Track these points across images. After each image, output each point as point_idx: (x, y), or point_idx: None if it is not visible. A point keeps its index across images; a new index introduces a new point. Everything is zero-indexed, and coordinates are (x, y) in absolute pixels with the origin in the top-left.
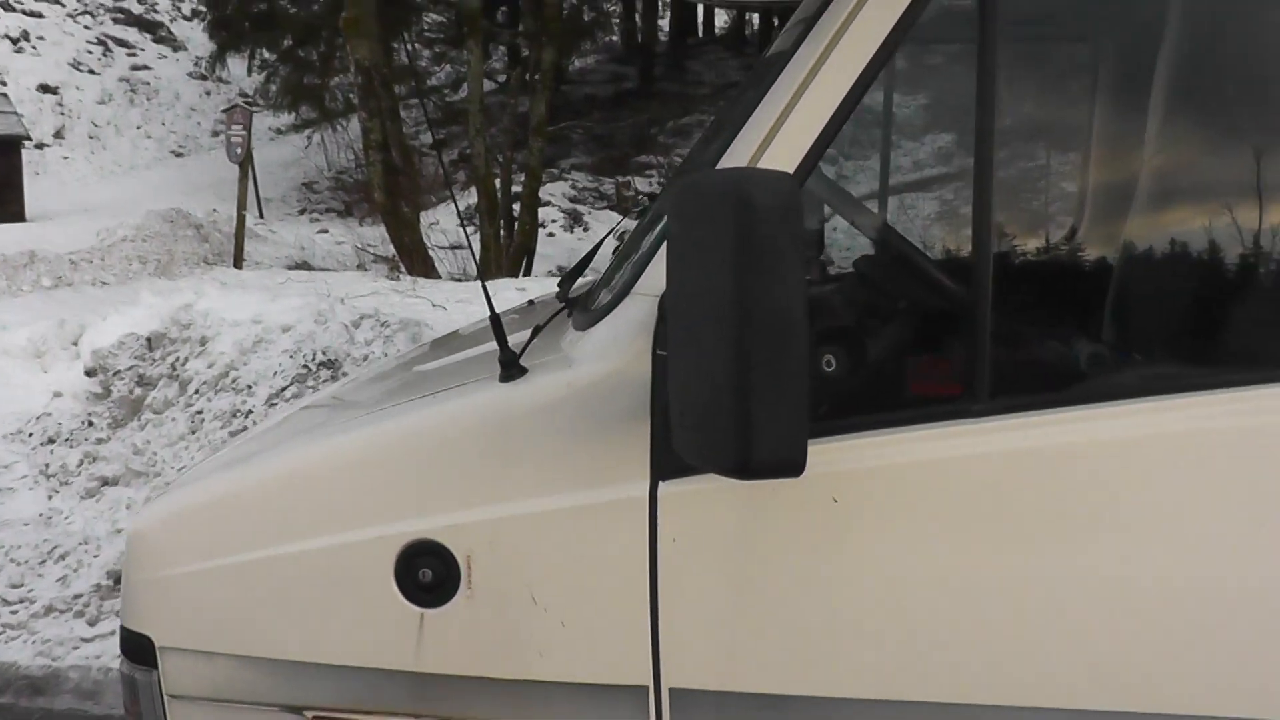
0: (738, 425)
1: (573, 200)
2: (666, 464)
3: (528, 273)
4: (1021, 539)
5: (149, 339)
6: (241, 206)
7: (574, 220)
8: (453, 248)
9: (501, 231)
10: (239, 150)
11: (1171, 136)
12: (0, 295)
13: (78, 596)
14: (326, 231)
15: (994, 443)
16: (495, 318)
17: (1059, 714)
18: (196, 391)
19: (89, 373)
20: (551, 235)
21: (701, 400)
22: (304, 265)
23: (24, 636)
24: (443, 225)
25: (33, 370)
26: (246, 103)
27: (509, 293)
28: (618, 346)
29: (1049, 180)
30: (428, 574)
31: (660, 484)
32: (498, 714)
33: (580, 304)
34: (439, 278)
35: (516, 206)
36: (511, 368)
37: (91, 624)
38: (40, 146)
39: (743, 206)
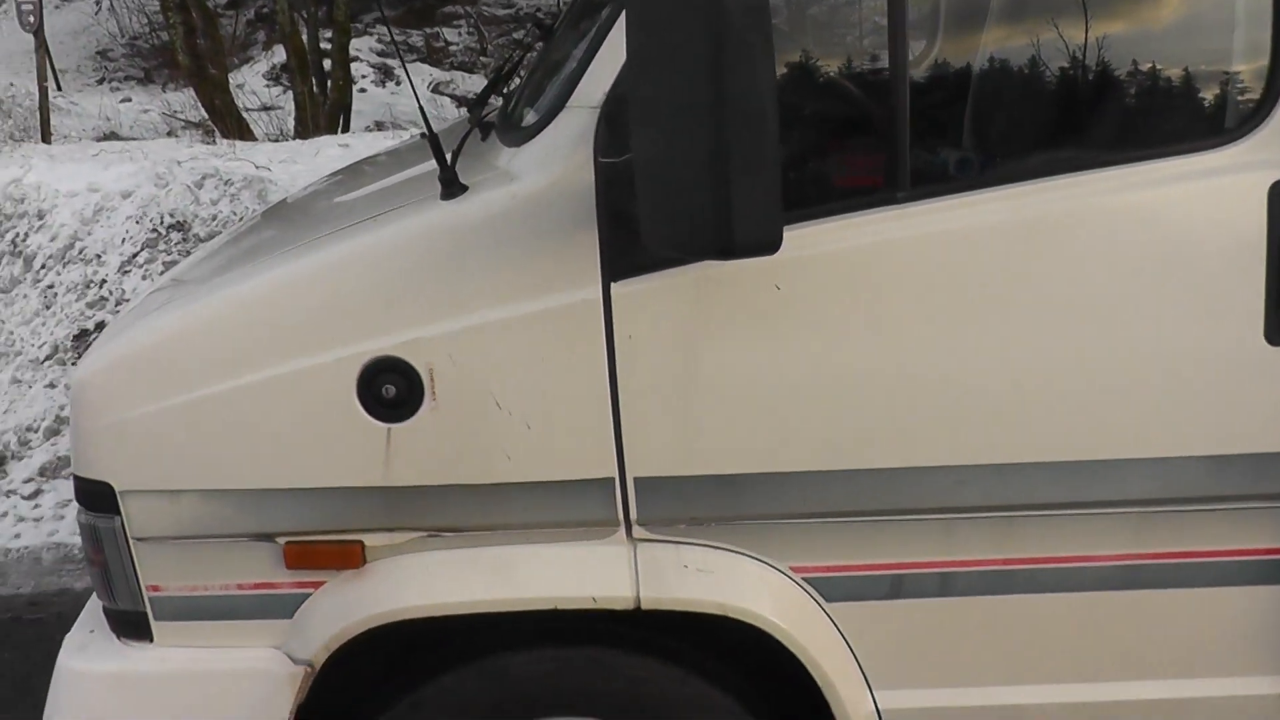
0: (719, 210)
1: (381, 55)
2: (617, 266)
3: (346, 129)
4: (938, 312)
5: None
6: (42, 78)
7: (385, 75)
8: (265, 109)
9: (314, 89)
10: (31, 19)
11: None
12: None
13: None
14: (130, 100)
15: (912, 227)
16: (434, 136)
17: (988, 469)
18: (43, 266)
19: None
20: (363, 91)
21: (678, 192)
22: (112, 136)
23: None
24: (250, 87)
25: None
26: None
27: (332, 149)
28: (558, 157)
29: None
30: (391, 390)
31: (612, 285)
32: (469, 519)
33: (500, 124)
34: (255, 139)
35: (326, 64)
36: (453, 186)
37: None
38: None
39: (717, 7)
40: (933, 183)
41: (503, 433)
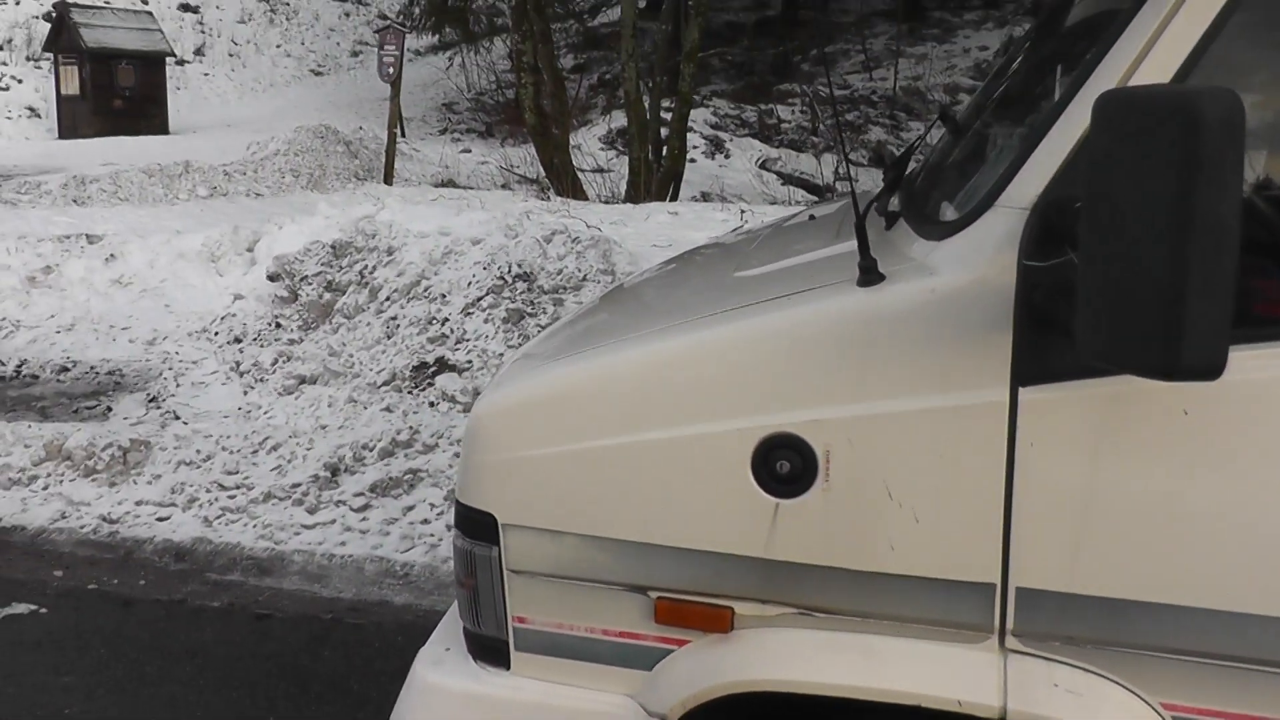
0: (1169, 329)
1: (714, 127)
2: (1028, 371)
3: (674, 197)
4: None
5: (333, 246)
6: (392, 124)
7: (715, 147)
8: (599, 170)
9: (649, 156)
10: (390, 70)
11: None
12: (159, 202)
13: (295, 485)
14: (469, 151)
15: None
16: (860, 222)
17: None
18: (388, 299)
19: (271, 277)
20: (693, 161)
21: (1125, 304)
22: (450, 183)
23: (244, 520)
24: (587, 148)
25: (208, 273)
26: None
27: (662, 216)
28: (981, 255)
29: None
30: (785, 465)
31: (1020, 389)
32: (843, 603)
33: (913, 215)
34: (587, 199)
35: (663, 131)
36: (872, 274)
37: (311, 512)
38: (181, 63)
39: (1193, 121)
40: None
41: (890, 522)
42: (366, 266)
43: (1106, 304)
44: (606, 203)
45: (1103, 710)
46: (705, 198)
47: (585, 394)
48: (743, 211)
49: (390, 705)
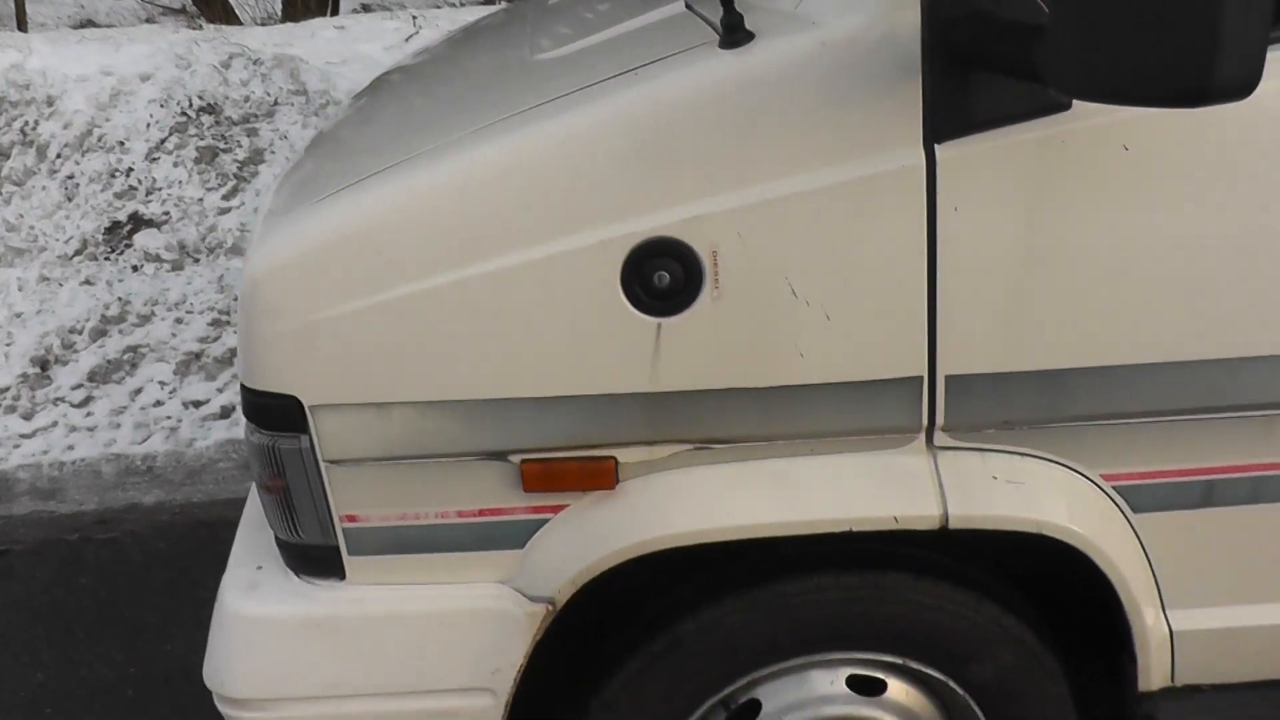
0: (1200, 45)
1: None
2: (943, 124)
3: (334, 12)
4: None
5: None
6: None
7: None
8: None
9: None
10: None
11: None
12: None
13: (3, 391)
14: None
15: None
16: None
17: None
18: (59, 156)
19: None
20: None
21: (1130, 18)
22: (89, 23)
23: None
24: None
25: None
26: None
27: (328, 32)
28: None
29: None
30: (664, 277)
31: (937, 147)
32: (745, 429)
33: None
34: (241, 24)
35: None
36: (738, 31)
37: (27, 418)
38: None
39: None
40: None
41: (797, 326)
42: (27, 123)
43: (1100, 22)
44: (263, 24)
45: (1047, 496)
46: (367, 9)
47: (391, 226)
48: (415, 18)
49: (174, 624)
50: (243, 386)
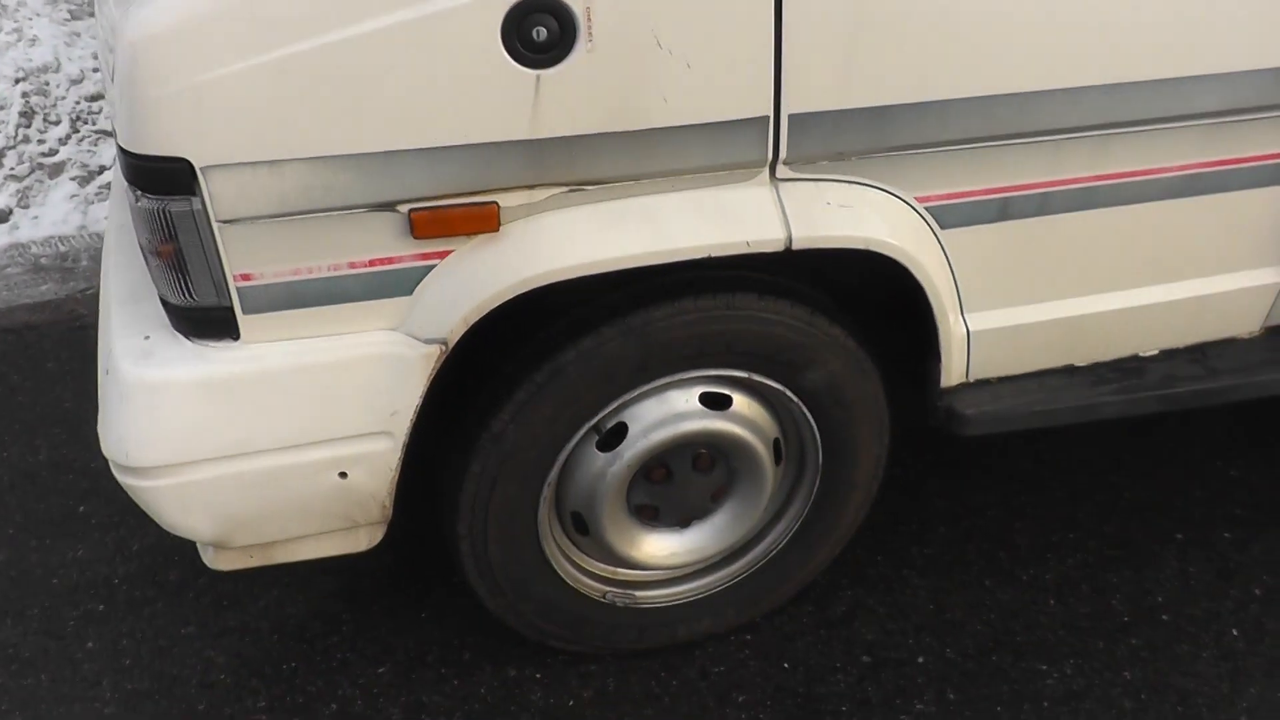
0: None
1: None
2: None
3: None
4: None
5: None
6: None
7: None
8: None
9: None
10: None
11: None
12: None
13: None
14: None
15: None
16: None
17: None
18: None
19: None
20: None
21: None
22: None
23: None
24: None
25: None
26: None
27: None
28: None
29: None
30: (542, 32)
31: None
32: (617, 170)
33: None
34: None
35: None
36: None
37: None
38: None
39: None
40: None
41: (661, 74)
42: None
43: None
44: None
45: (872, 217)
46: None
47: None
48: None
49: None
50: (124, 151)
